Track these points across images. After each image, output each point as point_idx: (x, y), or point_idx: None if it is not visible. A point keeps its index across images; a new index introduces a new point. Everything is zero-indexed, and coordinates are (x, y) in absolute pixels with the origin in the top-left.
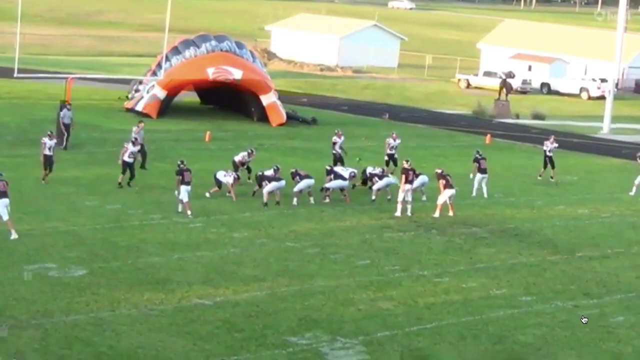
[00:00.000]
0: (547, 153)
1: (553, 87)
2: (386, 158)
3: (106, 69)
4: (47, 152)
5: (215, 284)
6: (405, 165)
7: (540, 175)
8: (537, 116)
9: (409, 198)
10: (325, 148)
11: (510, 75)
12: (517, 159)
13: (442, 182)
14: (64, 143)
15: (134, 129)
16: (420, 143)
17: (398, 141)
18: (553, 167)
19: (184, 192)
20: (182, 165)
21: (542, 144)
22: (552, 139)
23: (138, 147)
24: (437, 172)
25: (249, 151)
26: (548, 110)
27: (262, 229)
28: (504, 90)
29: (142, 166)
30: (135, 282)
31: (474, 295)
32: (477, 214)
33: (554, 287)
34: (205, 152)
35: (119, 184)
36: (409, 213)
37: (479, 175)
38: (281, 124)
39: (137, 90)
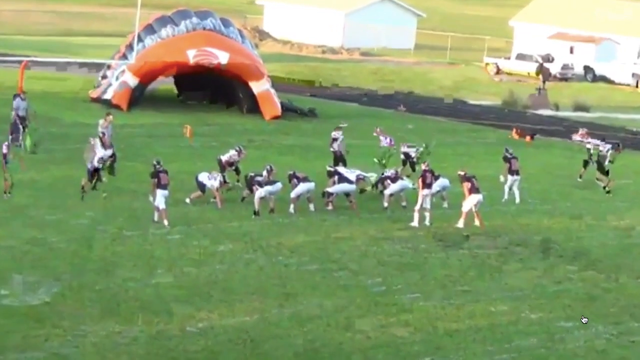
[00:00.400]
0: (593, 151)
1: (599, 72)
2: (402, 157)
3: (68, 51)
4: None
5: (197, 307)
6: (424, 167)
7: (580, 176)
8: (579, 107)
9: (428, 205)
10: (326, 145)
11: (549, 58)
12: (556, 158)
13: (466, 185)
14: (20, 140)
15: (101, 122)
16: (440, 139)
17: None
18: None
19: (160, 197)
20: (158, 166)
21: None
22: (584, 133)
23: (110, 151)
24: (460, 174)
25: (238, 149)
26: (593, 100)
27: (252, 241)
28: (541, 76)
29: (111, 171)
30: (105, 310)
31: (503, 320)
32: (508, 224)
33: (597, 312)
34: (185, 150)
35: (82, 188)
36: (427, 222)
37: (510, 178)
38: (275, 117)
39: (104, 77)
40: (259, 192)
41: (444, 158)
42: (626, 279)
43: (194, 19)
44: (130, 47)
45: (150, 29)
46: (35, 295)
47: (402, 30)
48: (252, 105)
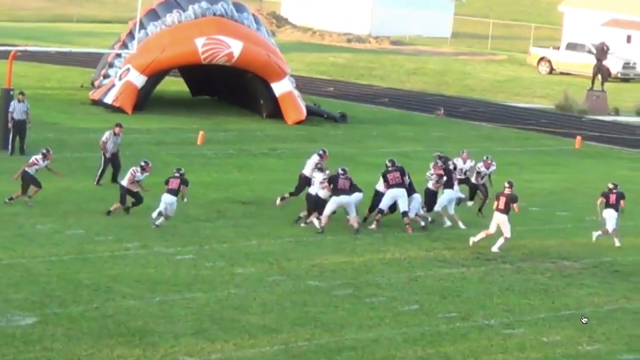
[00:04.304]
0: None
1: None
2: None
3: (63, 40)
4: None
5: (210, 336)
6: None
7: None
8: None
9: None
10: (358, 154)
11: (604, 48)
12: (616, 169)
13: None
14: (10, 146)
15: (107, 134)
16: (485, 147)
17: (492, 168)
18: None
19: (162, 202)
20: (176, 173)
21: None
22: None
23: (145, 174)
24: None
25: (320, 153)
26: None
27: (274, 262)
28: (599, 77)
29: (114, 179)
30: (102, 333)
31: (558, 352)
32: (563, 244)
33: None
34: (197, 159)
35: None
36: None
37: (606, 212)
38: (300, 122)
39: (106, 76)
40: (331, 205)
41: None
42: None
43: (203, 4)
44: (131, 34)
45: (153, 15)
46: (23, 315)
47: (438, 16)
48: (274, 109)
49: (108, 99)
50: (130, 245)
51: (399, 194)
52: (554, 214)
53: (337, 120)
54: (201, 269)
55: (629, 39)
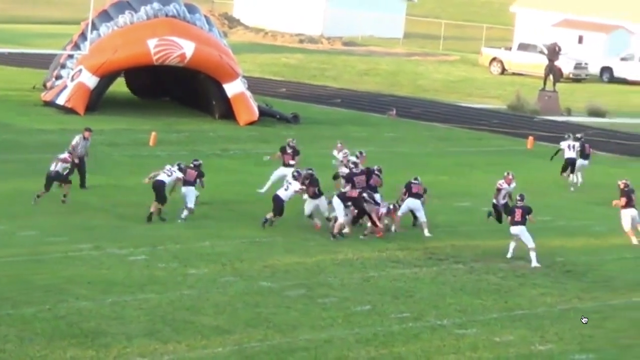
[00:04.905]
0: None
1: (617, 73)
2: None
3: (15, 41)
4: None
5: (163, 337)
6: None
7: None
8: (594, 112)
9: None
10: (311, 155)
11: (556, 49)
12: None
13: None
14: None
15: (77, 139)
16: (437, 148)
17: (513, 185)
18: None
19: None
20: (194, 161)
21: (584, 150)
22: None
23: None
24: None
25: (357, 154)
26: (609, 104)
27: (227, 263)
28: (551, 77)
29: (82, 185)
30: (55, 334)
31: (511, 352)
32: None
33: (617, 342)
34: (150, 160)
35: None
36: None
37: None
38: (252, 123)
39: (58, 77)
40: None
41: (443, 169)
42: None
43: (155, 5)
44: (83, 35)
45: (106, 16)
46: None
47: (390, 17)
48: (226, 110)
49: (60, 100)
50: (83, 246)
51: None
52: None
53: (290, 121)
54: (154, 270)
55: (580, 39)
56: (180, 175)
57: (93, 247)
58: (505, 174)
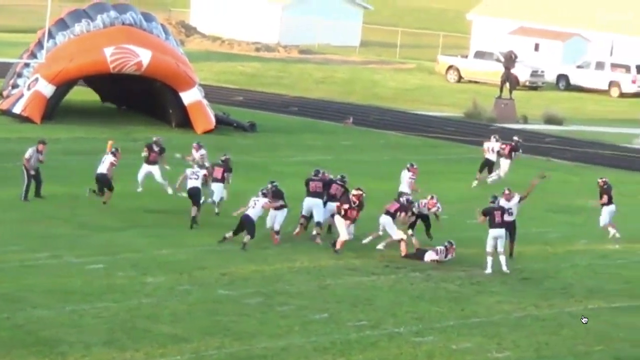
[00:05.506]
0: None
1: (574, 81)
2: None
3: None
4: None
5: (121, 346)
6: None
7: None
8: (551, 120)
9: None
10: (268, 163)
11: (512, 56)
12: (525, 177)
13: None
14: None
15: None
16: (394, 156)
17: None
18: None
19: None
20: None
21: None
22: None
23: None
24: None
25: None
26: (565, 111)
27: (185, 272)
28: (507, 85)
29: (37, 194)
30: (13, 343)
31: (467, 359)
32: (473, 252)
33: (574, 349)
34: None
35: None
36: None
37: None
38: (209, 131)
39: (15, 86)
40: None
41: (397, 176)
42: (608, 309)
43: (112, 13)
44: (39, 44)
45: (62, 24)
46: None
47: (347, 25)
48: (183, 118)
49: (17, 109)
50: (40, 255)
51: (315, 203)
52: (464, 222)
53: (247, 129)
54: (112, 279)
55: (536, 47)
56: (204, 172)
57: (50, 255)
58: (507, 190)
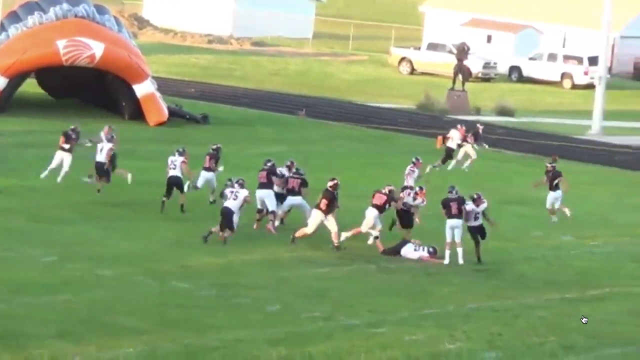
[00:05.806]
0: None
1: (526, 73)
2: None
3: None
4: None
5: (75, 338)
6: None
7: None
8: (503, 111)
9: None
10: (225, 155)
11: (464, 48)
12: (479, 169)
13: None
14: None
15: None
16: (347, 147)
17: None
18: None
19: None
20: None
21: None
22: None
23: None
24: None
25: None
26: (518, 103)
27: (141, 264)
28: (460, 76)
29: None
30: None
31: (421, 350)
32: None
33: (527, 340)
34: None
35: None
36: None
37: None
38: (161, 123)
39: None
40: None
41: (351, 168)
42: (560, 300)
43: (65, 6)
44: None
45: (15, 17)
46: None
47: (299, 17)
48: (135, 110)
49: None
50: None
51: (264, 194)
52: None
53: (199, 121)
54: (67, 271)
55: (489, 38)
56: (182, 159)
57: (4, 248)
58: (475, 195)
